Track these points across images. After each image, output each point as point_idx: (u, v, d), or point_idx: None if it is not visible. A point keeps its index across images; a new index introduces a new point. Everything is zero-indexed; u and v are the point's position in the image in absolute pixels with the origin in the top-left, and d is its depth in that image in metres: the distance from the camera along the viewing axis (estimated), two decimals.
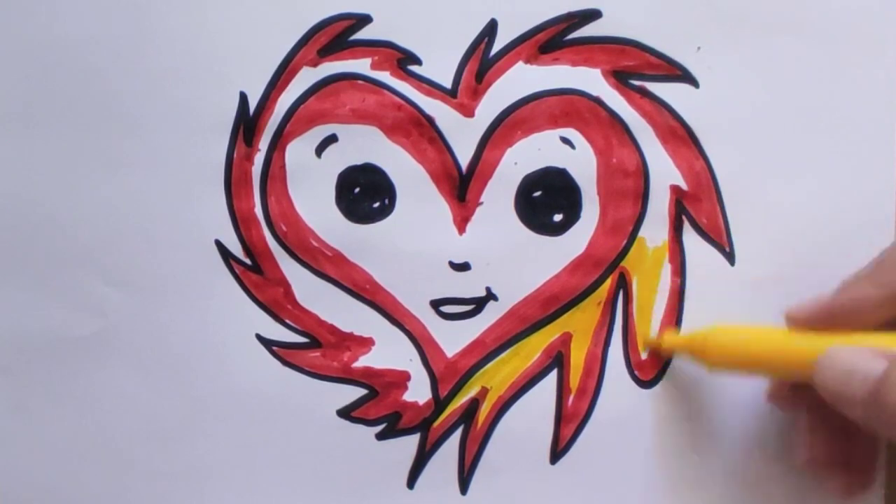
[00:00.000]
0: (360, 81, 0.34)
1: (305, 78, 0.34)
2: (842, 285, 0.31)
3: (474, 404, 0.35)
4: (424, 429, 0.35)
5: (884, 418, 0.28)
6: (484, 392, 0.35)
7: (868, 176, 0.34)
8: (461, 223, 0.34)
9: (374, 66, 0.34)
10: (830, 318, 0.31)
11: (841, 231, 0.34)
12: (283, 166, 0.34)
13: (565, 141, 0.34)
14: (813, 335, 0.31)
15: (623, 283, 0.34)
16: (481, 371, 0.35)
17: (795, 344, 0.31)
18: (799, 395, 0.32)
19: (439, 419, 0.35)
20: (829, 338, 0.30)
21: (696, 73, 0.34)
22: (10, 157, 0.34)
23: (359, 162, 0.34)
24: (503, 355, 0.35)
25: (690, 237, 0.34)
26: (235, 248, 0.34)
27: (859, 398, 0.29)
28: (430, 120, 0.34)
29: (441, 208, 0.34)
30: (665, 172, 0.34)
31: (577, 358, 0.34)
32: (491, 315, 0.35)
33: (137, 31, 0.34)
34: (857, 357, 0.29)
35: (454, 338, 0.35)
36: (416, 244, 0.34)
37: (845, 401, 0.29)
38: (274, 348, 0.34)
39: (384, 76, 0.34)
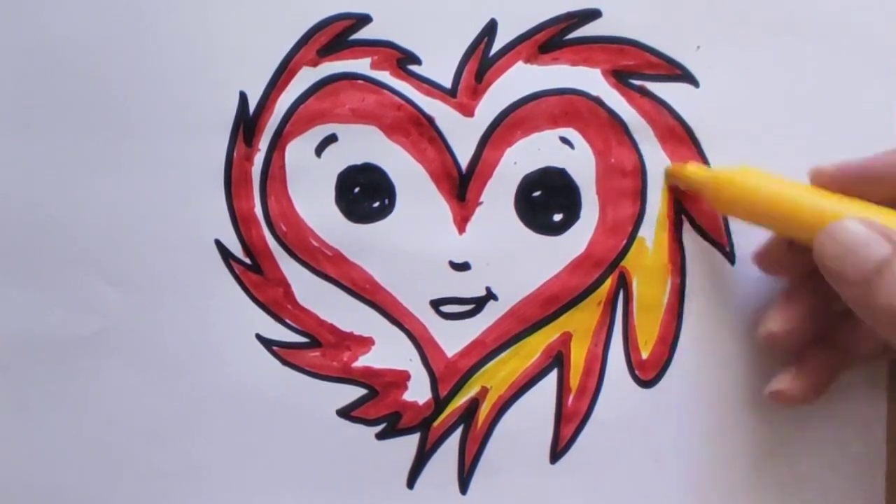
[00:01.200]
0: (359, 81, 0.34)
1: (305, 78, 0.34)
2: (877, 153, 0.30)
3: (474, 404, 0.35)
4: (424, 428, 0.35)
5: (871, 304, 0.27)
6: (484, 392, 0.35)
7: None
8: (461, 223, 0.34)
9: (373, 66, 0.34)
10: (856, 180, 0.30)
11: None
12: (282, 166, 0.34)
13: (565, 141, 0.34)
14: (833, 199, 0.30)
15: (623, 283, 0.34)
16: (481, 371, 0.35)
17: (810, 202, 0.30)
18: (791, 260, 0.32)
19: (439, 419, 0.35)
20: (848, 204, 0.29)
21: (696, 72, 0.34)
22: (10, 158, 0.34)
23: (358, 162, 0.34)
24: (503, 355, 0.35)
25: (690, 237, 0.34)
26: (235, 248, 0.34)
27: (853, 278, 0.28)
28: (430, 119, 0.34)
29: (441, 208, 0.34)
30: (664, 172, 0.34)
31: (578, 358, 0.34)
32: (491, 315, 0.35)
33: (137, 31, 0.34)
34: (863, 235, 0.28)
35: (454, 337, 0.35)
36: (416, 244, 0.34)
37: (839, 276, 0.28)
38: (274, 348, 0.34)
39: (384, 76, 0.34)
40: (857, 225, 0.28)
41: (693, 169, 0.33)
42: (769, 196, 0.31)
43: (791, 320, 0.32)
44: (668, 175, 0.34)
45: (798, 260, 0.31)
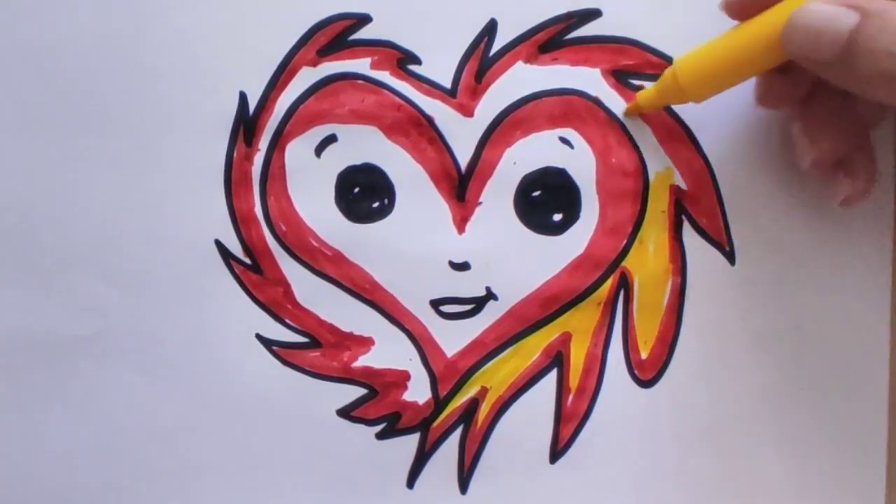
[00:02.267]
0: (359, 81, 0.34)
1: (305, 78, 0.34)
2: None
3: (474, 404, 0.35)
4: (424, 428, 0.35)
5: (856, 76, 0.27)
6: (483, 392, 0.35)
7: None
8: (461, 223, 0.34)
9: (373, 66, 0.34)
10: None
11: (841, 231, 0.34)
12: (282, 166, 0.34)
13: (564, 141, 0.34)
14: (772, 10, 0.29)
15: (624, 284, 0.34)
16: (481, 371, 0.35)
17: (758, 27, 0.29)
18: (789, 86, 0.31)
19: (439, 419, 0.35)
20: (789, 2, 0.29)
21: None
22: (10, 157, 0.34)
23: (358, 162, 0.34)
24: (503, 355, 0.35)
25: (690, 237, 0.34)
26: (235, 248, 0.34)
27: (831, 58, 0.27)
28: (430, 120, 0.34)
29: (440, 208, 0.34)
30: (664, 172, 0.34)
31: (577, 358, 0.34)
32: (491, 315, 0.35)
33: (137, 31, 0.34)
34: (825, 13, 0.27)
35: (454, 337, 0.35)
36: (416, 244, 0.34)
37: (817, 62, 0.27)
38: (274, 348, 0.34)
39: (384, 76, 0.34)
40: (818, 4, 0.27)
41: (641, 96, 0.33)
42: (715, 60, 0.30)
43: (820, 140, 0.31)
44: (629, 113, 0.34)
45: (797, 79, 0.31)
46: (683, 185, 0.34)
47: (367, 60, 0.34)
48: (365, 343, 0.35)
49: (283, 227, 0.34)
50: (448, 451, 0.35)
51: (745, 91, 0.34)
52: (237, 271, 0.34)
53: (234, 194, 0.34)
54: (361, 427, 0.35)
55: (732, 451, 0.34)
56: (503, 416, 0.35)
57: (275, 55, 0.34)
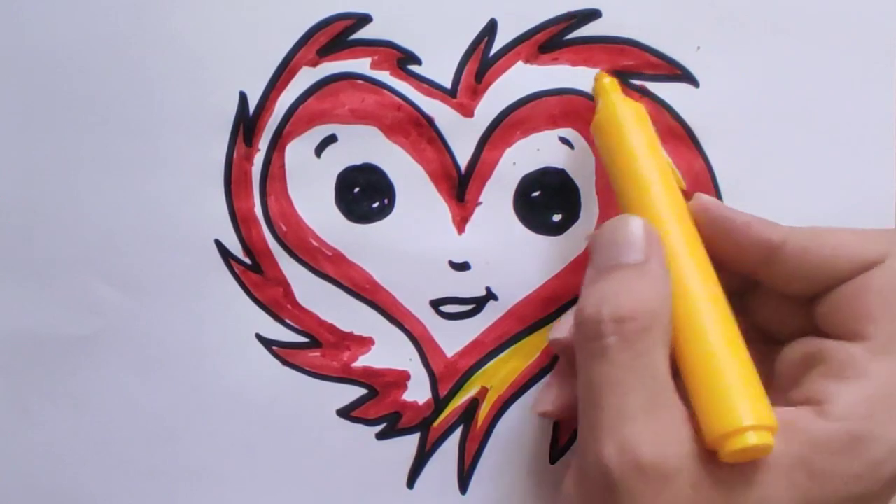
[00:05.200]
0: (359, 81, 0.34)
1: (305, 78, 0.34)
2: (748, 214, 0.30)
3: (474, 404, 0.35)
4: (424, 428, 0.35)
5: (582, 298, 0.28)
6: (483, 392, 0.35)
7: (868, 176, 0.34)
8: (460, 223, 0.34)
9: (373, 66, 0.34)
10: (712, 218, 0.30)
11: None
12: (282, 166, 0.34)
13: (564, 141, 0.34)
14: (670, 199, 0.30)
15: None
16: (481, 371, 0.35)
17: (647, 186, 0.30)
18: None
19: (439, 419, 0.35)
20: (665, 211, 0.29)
21: (695, 72, 0.34)
22: (10, 158, 0.34)
23: (358, 162, 0.34)
24: (503, 355, 0.35)
25: None
26: (235, 248, 0.34)
27: (597, 266, 0.28)
28: (430, 120, 0.34)
29: (440, 208, 0.34)
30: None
31: None
32: (491, 315, 0.35)
33: (137, 30, 0.34)
34: (631, 236, 0.28)
35: (454, 337, 0.35)
36: (416, 244, 0.34)
37: (591, 257, 0.29)
38: (274, 348, 0.34)
39: (384, 76, 0.34)
40: (637, 225, 0.28)
41: (604, 81, 0.33)
42: (622, 155, 0.31)
43: (562, 398, 0.32)
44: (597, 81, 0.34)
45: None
46: (683, 185, 0.34)
47: (367, 60, 0.34)
48: (365, 343, 0.35)
49: (283, 227, 0.34)
50: (448, 451, 0.35)
51: (745, 91, 0.34)
52: (237, 271, 0.34)
53: (234, 194, 0.34)
54: (361, 427, 0.35)
55: None
56: (503, 416, 0.35)
57: (275, 55, 0.34)
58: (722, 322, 0.28)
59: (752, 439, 0.26)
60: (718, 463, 0.26)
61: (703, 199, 0.30)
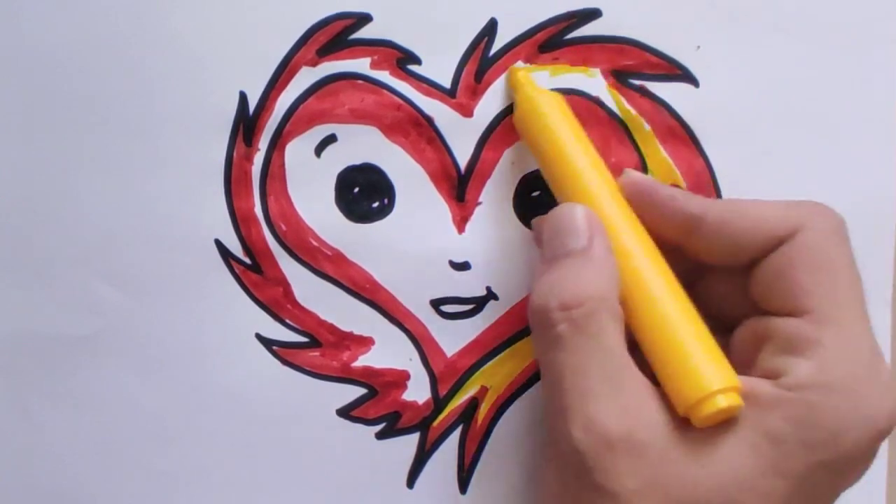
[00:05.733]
0: (359, 81, 0.34)
1: (305, 78, 0.34)
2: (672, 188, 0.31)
3: (474, 403, 0.35)
4: (424, 428, 0.35)
5: (533, 289, 0.29)
6: (483, 391, 0.35)
7: (868, 176, 0.34)
8: (461, 223, 0.34)
9: (373, 66, 0.34)
10: (640, 193, 0.30)
11: None
12: (282, 166, 0.34)
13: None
14: (603, 182, 0.30)
15: None
16: (481, 370, 0.35)
17: (579, 173, 0.30)
18: None
19: (439, 418, 0.35)
20: (600, 193, 0.30)
21: (695, 72, 0.34)
22: (10, 157, 0.34)
23: (358, 162, 0.34)
24: (503, 354, 0.35)
25: None
26: (235, 248, 0.34)
27: (545, 257, 0.29)
28: (429, 120, 0.34)
29: (440, 208, 0.34)
30: (664, 172, 0.34)
31: None
32: (491, 314, 0.35)
33: (137, 30, 0.34)
34: (576, 223, 0.29)
35: (454, 337, 0.35)
36: (416, 244, 0.34)
37: (541, 252, 0.30)
38: (274, 348, 0.34)
39: (383, 76, 0.34)
40: (577, 212, 0.29)
41: (519, 75, 0.33)
42: (550, 145, 0.31)
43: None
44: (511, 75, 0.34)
45: None
46: (683, 185, 0.34)
47: (367, 60, 0.34)
48: (365, 343, 0.35)
49: (283, 227, 0.34)
50: (448, 451, 0.35)
51: (745, 91, 0.34)
52: (237, 271, 0.34)
53: (233, 194, 0.34)
54: (361, 427, 0.35)
55: None
56: (503, 415, 0.35)
57: (275, 55, 0.34)
58: (674, 294, 0.29)
59: (723, 402, 0.27)
60: (685, 433, 0.27)
61: (632, 174, 0.31)
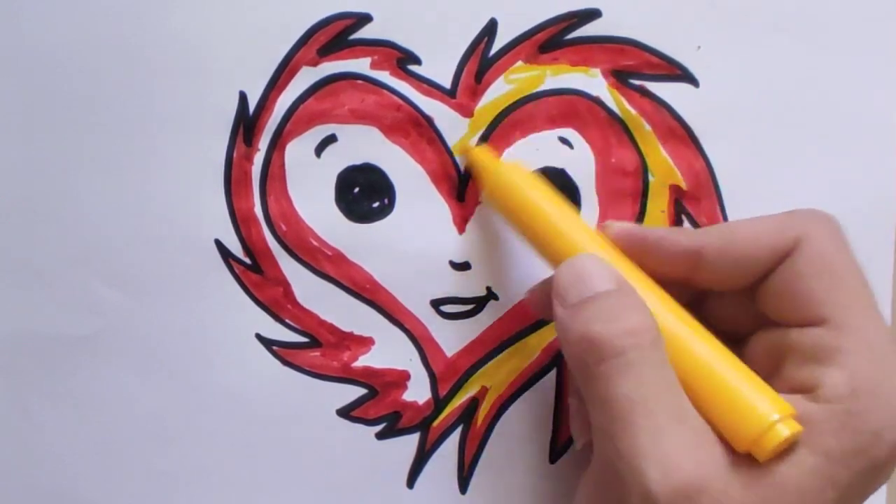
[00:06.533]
0: (359, 81, 0.34)
1: (305, 78, 0.34)
2: (663, 229, 0.31)
3: (474, 403, 0.35)
4: (424, 428, 0.35)
5: (570, 328, 0.27)
6: (483, 391, 0.35)
7: (868, 176, 0.34)
8: (461, 223, 0.34)
9: (373, 66, 0.34)
10: (631, 241, 0.30)
11: None
12: (282, 166, 0.34)
13: (564, 141, 0.34)
14: (593, 235, 0.30)
15: None
16: (481, 370, 0.35)
17: (571, 230, 0.30)
18: None
19: (439, 418, 0.35)
20: (589, 243, 0.30)
21: (695, 72, 0.34)
22: (10, 157, 0.34)
23: (358, 162, 0.34)
24: (503, 354, 0.35)
25: None
26: (235, 248, 0.34)
27: (570, 301, 0.28)
28: (429, 120, 0.34)
29: (441, 208, 0.34)
30: (664, 172, 0.34)
31: None
32: (491, 314, 0.35)
33: (137, 30, 0.34)
34: (596, 266, 0.28)
35: (454, 337, 0.35)
36: (416, 244, 0.34)
37: (562, 299, 0.28)
38: (274, 348, 0.34)
39: (384, 76, 0.34)
40: (594, 259, 0.28)
41: (477, 151, 0.33)
42: (531, 215, 0.31)
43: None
44: (462, 152, 0.34)
45: None
46: (683, 185, 0.34)
47: (367, 60, 0.34)
48: (365, 343, 0.35)
49: (283, 227, 0.34)
50: (448, 451, 0.35)
51: (745, 91, 0.34)
52: (237, 271, 0.34)
53: (233, 194, 0.34)
54: (361, 427, 0.35)
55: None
56: (503, 415, 0.35)
57: (275, 55, 0.34)
58: (700, 333, 0.28)
59: (785, 431, 0.26)
60: (748, 470, 0.26)
61: (615, 226, 0.30)
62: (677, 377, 0.27)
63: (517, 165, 0.32)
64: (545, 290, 0.30)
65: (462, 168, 0.34)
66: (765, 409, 0.26)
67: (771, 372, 0.29)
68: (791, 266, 0.28)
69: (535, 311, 0.33)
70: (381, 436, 0.35)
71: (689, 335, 0.28)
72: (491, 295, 0.34)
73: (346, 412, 0.35)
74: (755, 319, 0.30)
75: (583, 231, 0.30)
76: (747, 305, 0.30)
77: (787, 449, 0.26)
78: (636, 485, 0.26)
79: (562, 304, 0.28)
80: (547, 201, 0.31)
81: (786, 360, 0.28)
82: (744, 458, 0.26)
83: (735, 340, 0.30)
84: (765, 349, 0.29)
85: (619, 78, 0.34)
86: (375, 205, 0.34)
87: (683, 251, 0.29)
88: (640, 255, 0.30)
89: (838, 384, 0.27)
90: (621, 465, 0.26)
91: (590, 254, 0.29)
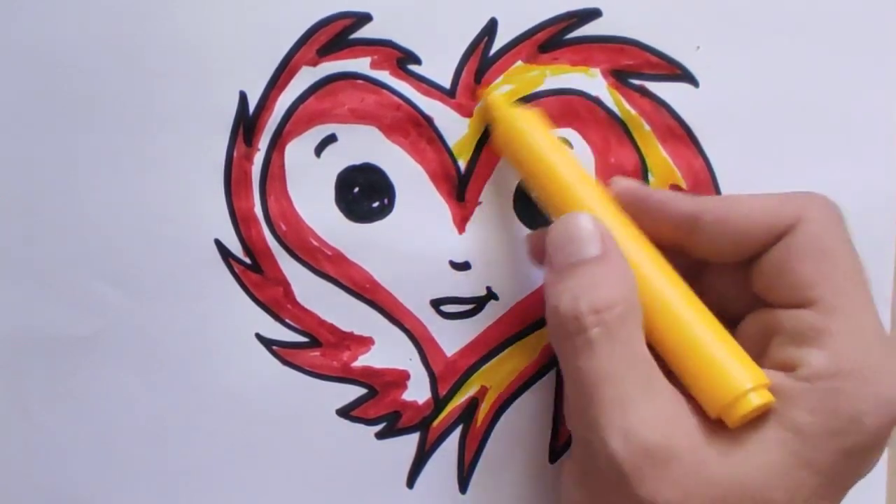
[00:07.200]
0: (359, 81, 0.34)
1: (305, 77, 0.34)
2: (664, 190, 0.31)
3: (474, 403, 0.35)
4: (424, 428, 0.35)
5: (549, 293, 0.28)
6: (483, 391, 0.35)
7: (868, 176, 0.34)
8: (461, 223, 0.34)
9: (373, 66, 0.34)
10: (634, 199, 0.30)
11: None
12: (282, 166, 0.34)
13: (564, 141, 0.34)
14: (596, 191, 0.30)
15: None
16: (481, 370, 0.35)
17: (572, 184, 0.30)
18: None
19: (439, 418, 0.35)
20: (593, 198, 0.30)
21: (695, 72, 0.34)
22: (10, 157, 0.34)
23: (358, 162, 0.34)
24: (503, 354, 0.35)
25: None
26: (235, 248, 0.34)
27: (556, 266, 0.29)
28: (429, 120, 0.34)
29: (440, 208, 0.34)
30: (664, 172, 0.34)
31: None
32: (491, 314, 0.35)
33: (137, 30, 0.34)
34: (586, 231, 0.28)
35: (454, 337, 0.35)
36: (416, 244, 0.34)
37: (549, 261, 0.29)
38: (274, 348, 0.34)
39: (383, 76, 0.34)
40: (587, 220, 0.29)
41: (494, 96, 0.33)
42: (529, 152, 0.31)
43: None
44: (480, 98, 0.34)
45: None
46: (683, 185, 0.34)
47: (367, 60, 0.34)
48: (365, 343, 0.35)
49: (283, 227, 0.34)
50: (448, 451, 0.35)
51: (745, 91, 0.34)
52: (237, 271, 0.34)
53: (233, 194, 0.34)
54: (361, 427, 0.35)
55: None
56: (503, 415, 0.35)
57: (275, 55, 0.34)
58: (687, 297, 0.29)
59: (756, 400, 0.26)
60: (715, 435, 0.27)
61: (621, 182, 0.31)
62: (660, 339, 0.28)
63: (532, 113, 0.32)
64: (541, 239, 0.31)
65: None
66: (740, 377, 0.27)
67: (759, 351, 0.29)
68: (786, 246, 0.28)
69: (531, 259, 0.33)
70: (380, 436, 0.35)
71: (675, 298, 0.28)
72: (491, 295, 0.34)
73: (345, 412, 0.35)
74: (749, 301, 0.30)
75: (585, 185, 0.30)
76: (742, 286, 0.30)
77: (759, 421, 0.27)
78: (602, 452, 0.26)
79: (550, 263, 0.29)
80: (554, 151, 0.31)
81: (773, 341, 0.29)
82: (719, 431, 0.27)
83: (730, 322, 0.30)
84: (756, 329, 0.30)
85: (619, 78, 0.34)
86: (375, 205, 0.34)
87: (682, 215, 0.30)
88: (640, 214, 0.30)
89: (819, 364, 0.27)
90: (590, 436, 0.27)
91: (584, 213, 0.29)
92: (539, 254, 0.31)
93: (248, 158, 0.34)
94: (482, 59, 0.34)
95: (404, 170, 0.34)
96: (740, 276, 0.30)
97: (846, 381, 0.27)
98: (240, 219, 0.34)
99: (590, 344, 0.27)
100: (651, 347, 0.28)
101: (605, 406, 0.27)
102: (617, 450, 0.26)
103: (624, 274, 0.28)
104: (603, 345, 0.27)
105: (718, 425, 0.27)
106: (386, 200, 0.34)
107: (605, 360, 0.27)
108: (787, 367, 0.28)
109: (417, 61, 0.34)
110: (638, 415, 0.26)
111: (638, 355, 0.27)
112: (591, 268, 0.28)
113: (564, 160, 0.31)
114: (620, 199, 0.30)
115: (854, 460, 0.27)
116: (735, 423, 0.27)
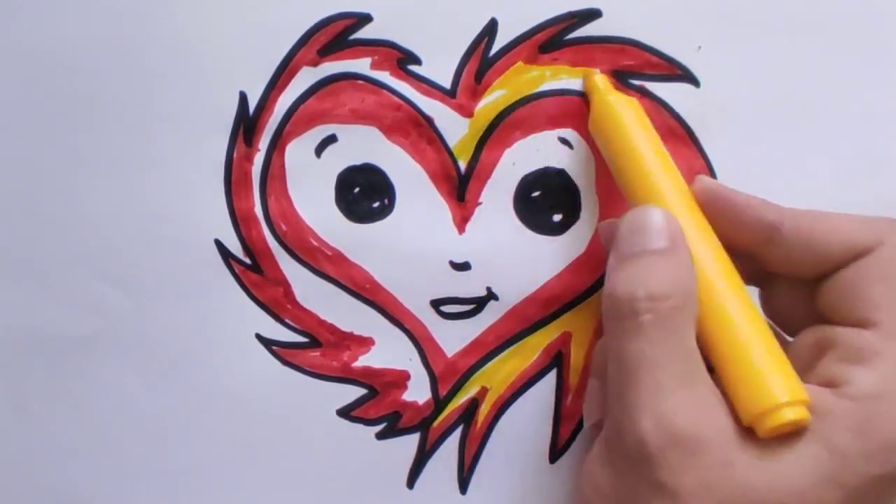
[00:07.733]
0: (359, 81, 0.34)
1: (305, 78, 0.34)
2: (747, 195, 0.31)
3: (474, 404, 0.35)
4: (424, 428, 0.35)
5: (609, 280, 0.29)
6: (483, 392, 0.35)
7: (869, 176, 0.34)
8: (461, 223, 0.34)
9: (373, 66, 0.34)
10: (716, 200, 0.30)
11: None
12: (282, 166, 0.34)
13: (564, 141, 0.34)
14: (676, 186, 0.30)
15: None
16: (481, 371, 0.35)
17: (654, 177, 0.30)
18: None
19: (439, 419, 0.35)
20: (674, 196, 0.30)
21: (696, 72, 0.34)
22: (11, 157, 0.34)
23: (358, 162, 0.34)
24: (503, 355, 0.35)
25: None
26: (235, 248, 0.34)
27: (622, 254, 0.29)
28: (429, 120, 0.34)
29: (441, 208, 0.34)
30: None
31: (577, 357, 0.34)
32: (491, 315, 0.35)
33: (137, 30, 0.34)
34: (655, 224, 0.29)
35: (454, 337, 0.35)
36: (416, 244, 0.34)
37: (615, 248, 0.29)
38: (273, 348, 0.34)
39: (384, 76, 0.34)
40: (659, 214, 0.29)
41: (595, 79, 0.33)
42: (626, 148, 0.31)
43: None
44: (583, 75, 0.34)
45: None
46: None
47: (368, 60, 0.34)
48: (365, 343, 0.35)
49: (283, 227, 0.34)
50: (448, 451, 0.35)
51: (745, 91, 0.34)
52: (237, 271, 0.34)
53: (234, 194, 0.34)
54: (361, 427, 0.35)
55: None
56: (503, 415, 0.35)
57: (275, 55, 0.34)
58: (744, 304, 0.28)
59: (790, 415, 0.26)
60: (749, 438, 0.27)
61: (706, 181, 0.31)
62: (709, 339, 0.28)
63: (632, 100, 0.32)
64: (613, 227, 0.31)
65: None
66: (777, 389, 0.27)
67: (808, 367, 0.29)
68: (861, 267, 0.28)
69: (602, 242, 0.33)
70: (380, 436, 0.35)
71: (731, 302, 0.28)
72: (491, 295, 0.34)
73: (346, 412, 0.35)
74: (809, 316, 0.30)
75: (666, 179, 0.30)
76: (805, 300, 0.30)
77: (794, 434, 0.27)
78: (631, 433, 0.27)
79: (616, 249, 0.29)
80: (644, 140, 0.31)
81: (825, 355, 0.29)
82: (752, 438, 0.27)
83: (787, 334, 0.30)
84: (809, 344, 0.29)
85: (620, 78, 0.34)
86: (375, 205, 0.34)
87: (762, 222, 0.29)
88: (720, 215, 0.30)
89: (867, 383, 0.27)
90: (622, 417, 0.27)
91: (658, 208, 0.29)
92: (610, 242, 0.31)
93: (249, 159, 0.34)
94: (482, 59, 0.34)
95: (404, 170, 0.34)
96: (805, 291, 0.30)
97: (891, 405, 0.26)
98: (240, 219, 0.34)
99: (639, 328, 0.27)
100: (700, 346, 0.28)
101: (641, 388, 0.27)
102: (646, 431, 0.26)
103: (686, 270, 0.28)
104: (652, 331, 0.27)
105: (753, 433, 0.27)
106: (386, 201, 0.34)
107: (650, 346, 0.27)
108: (833, 384, 0.27)
109: (418, 62, 0.34)
110: (673, 402, 0.27)
111: (684, 348, 0.27)
112: (654, 259, 0.28)
113: (652, 152, 0.31)
114: (702, 198, 0.30)
115: (884, 485, 0.27)
116: (764, 433, 0.27)
